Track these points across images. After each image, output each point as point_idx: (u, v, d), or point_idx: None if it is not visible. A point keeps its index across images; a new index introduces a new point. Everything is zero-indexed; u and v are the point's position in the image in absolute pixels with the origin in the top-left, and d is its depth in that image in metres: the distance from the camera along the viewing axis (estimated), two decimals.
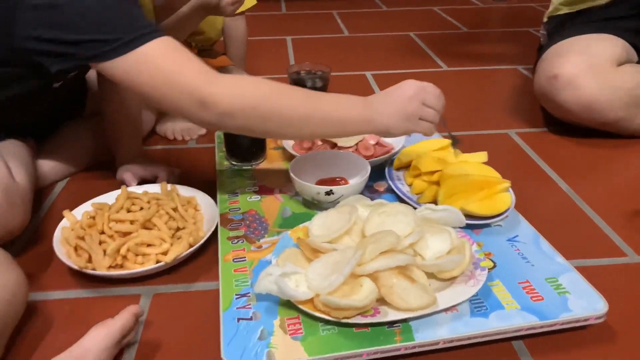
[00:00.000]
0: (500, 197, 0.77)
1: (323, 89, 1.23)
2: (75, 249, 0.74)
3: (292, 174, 0.82)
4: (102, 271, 0.71)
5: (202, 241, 0.76)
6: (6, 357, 0.60)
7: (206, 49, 1.30)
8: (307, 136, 0.77)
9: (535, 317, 0.60)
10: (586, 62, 1.05)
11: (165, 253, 0.73)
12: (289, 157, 1.00)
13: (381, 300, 0.61)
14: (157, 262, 0.72)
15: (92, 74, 1.05)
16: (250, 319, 0.61)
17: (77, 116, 1.06)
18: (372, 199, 0.78)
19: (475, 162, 0.86)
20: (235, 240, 0.76)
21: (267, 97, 0.72)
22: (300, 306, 0.60)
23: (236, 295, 0.65)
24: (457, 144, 0.88)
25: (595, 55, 1.07)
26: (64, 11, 0.67)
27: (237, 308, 0.63)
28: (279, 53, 1.78)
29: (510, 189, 0.81)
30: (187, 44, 1.26)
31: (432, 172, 0.84)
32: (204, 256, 0.78)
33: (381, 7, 2.45)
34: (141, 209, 0.80)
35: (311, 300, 0.61)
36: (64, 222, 0.80)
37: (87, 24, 0.68)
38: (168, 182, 0.88)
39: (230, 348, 0.57)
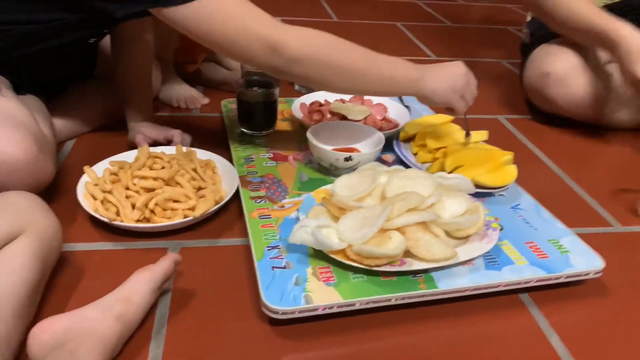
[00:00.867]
0: (507, 169, 0.84)
1: None
2: (102, 202, 0.75)
3: (312, 141, 0.86)
4: (131, 223, 0.73)
5: (226, 199, 0.79)
6: (42, 303, 0.61)
7: None
8: (361, 90, 0.83)
9: (543, 271, 0.67)
10: (576, 61, 1.13)
11: (191, 209, 0.76)
12: (298, 128, 1.03)
13: (406, 254, 0.66)
14: (185, 217, 0.75)
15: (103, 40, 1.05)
16: (284, 267, 0.65)
17: (86, 78, 1.06)
18: None
19: (476, 143, 0.92)
20: (259, 200, 0.79)
21: (332, 48, 0.77)
22: (333, 256, 0.65)
23: (267, 247, 0.69)
24: (469, 136, 0.93)
25: (584, 55, 1.14)
26: None
27: (270, 258, 0.67)
28: None
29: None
30: None
31: (438, 148, 0.90)
32: (225, 215, 0.81)
33: None
34: (162, 168, 0.82)
35: (342, 251, 0.65)
36: (85, 178, 0.81)
37: None
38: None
39: (269, 292, 0.61)
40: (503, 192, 0.84)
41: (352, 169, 0.84)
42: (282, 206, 0.78)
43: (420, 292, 0.63)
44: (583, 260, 0.69)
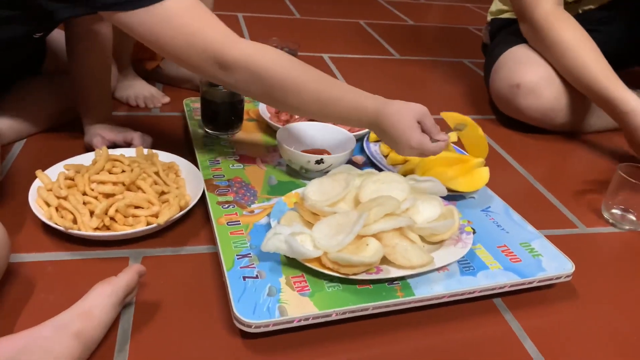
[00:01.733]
0: (478, 173, 0.83)
1: None
2: (57, 209, 0.70)
3: (282, 143, 0.83)
4: (89, 232, 0.68)
5: (192, 204, 0.75)
6: None
7: None
8: (312, 113, 0.78)
9: (516, 276, 0.67)
10: (546, 71, 1.13)
11: (155, 215, 0.72)
12: (265, 129, 1.00)
13: (382, 260, 0.64)
14: (148, 224, 0.71)
15: (53, 33, 0.98)
16: (256, 277, 0.62)
17: (33, 74, 0.99)
18: None
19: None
20: (226, 205, 0.75)
21: (284, 67, 0.72)
22: (308, 264, 0.62)
23: (237, 255, 0.65)
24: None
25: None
26: None
27: (240, 267, 0.63)
28: (233, 29, 1.75)
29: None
30: None
31: None
32: (190, 221, 0.77)
33: None
34: (122, 171, 0.77)
35: (317, 259, 0.63)
36: (37, 183, 0.75)
37: None
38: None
39: (241, 304, 0.58)
40: (473, 195, 0.84)
41: (323, 172, 0.82)
42: (252, 211, 0.75)
43: (397, 300, 0.61)
44: (554, 263, 0.70)
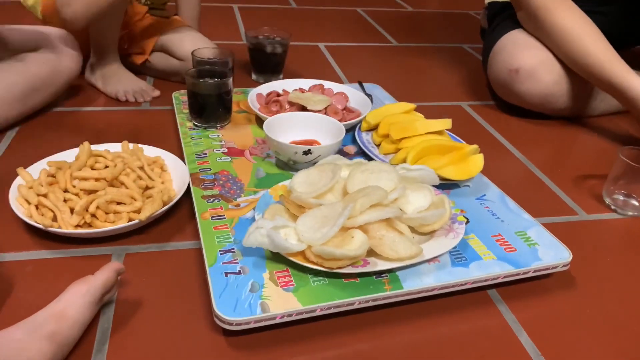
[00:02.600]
0: (472, 160, 0.80)
1: (283, 55, 1.21)
2: (37, 207, 0.69)
3: (268, 134, 0.80)
4: (69, 230, 0.66)
5: (176, 199, 0.73)
6: None
7: (158, 8, 1.23)
8: None
9: (511, 266, 0.64)
10: (545, 54, 1.09)
11: (137, 211, 0.70)
12: (255, 120, 0.98)
13: (369, 253, 0.62)
14: (130, 220, 0.69)
15: None
16: (239, 273, 0.60)
17: None
18: None
19: (439, 136, 0.88)
20: (211, 199, 0.73)
21: None
22: (291, 258, 0.60)
23: (220, 251, 0.63)
24: None
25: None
26: None
27: (223, 263, 0.61)
28: (228, 20, 1.73)
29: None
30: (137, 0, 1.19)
31: (401, 139, 0.86)
32: (175, 216, 0.75)
33: None
34: (106, 167, 0.76)
35: (301, 253, 0.61)
36: (18, 180, 0.73)
37: None
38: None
39: (222, 301, 0.56)
40: (468, 183, 0.81)
41: (312, 163, 0.79)
42: (237, 205, 0.73)
43: (385, 293, 0.59)
44: (551, 252, 0.67)
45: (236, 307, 0.55)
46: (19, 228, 0.71)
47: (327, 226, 0.61)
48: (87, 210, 0.68)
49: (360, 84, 1.18)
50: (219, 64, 1.02)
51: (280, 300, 0.57)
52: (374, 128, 0.93)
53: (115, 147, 0.83)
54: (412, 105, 0.96)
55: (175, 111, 0.99)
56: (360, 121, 0.94)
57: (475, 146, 0.82)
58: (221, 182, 0.78)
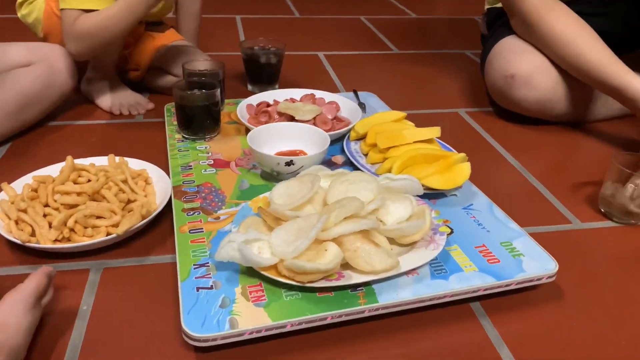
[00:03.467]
0: (458, 169, 0.78)
1: (278, 65, 1.21)
2: (17, 222, 0.69)
3: (251, 145, 0.80)
4: (47, 244, 0.66)
5: (155, 213, 0.72)
6: None
7: (156, 23, 1.24)
8: None
9: (493, 278, 0.62)
10: (540, 60, 1.06)
11: (116, 225, 0.70)
12: (244, 131, 0.97)
13: (345, 266, 0.60)
14: (108, 234, 0.69)
15: None
16: (211, 288, 0.59)
17: None
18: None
19: (427, 145, 0.86)
20: (191, 212, 0.73)
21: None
22: (264, 272, 0.59)
23: (194, 265, 0.63)
24: None
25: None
26: None
27: (195, 278, 0.61)
28: (229, 31, 1.74)
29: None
30: None
31: (388, 148, 0.85)
32: (157, 229, 0.75)
33: None
34: (88, 181, 0.76)
35: (275, 267, 0.59)
36: (2, 196, 0.74)
37: None
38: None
39: (190, 317, 0.55)
40: (456, 192, 0.79)
41: (295, 174, 0.78)
42: (217, 217, 0.72)
43: (359, 308, 0.57)
44: (536, 264, 0.65)
45: (204, 323, 0.54)
46: (0, 243, 0.71)
47: (300, 239, 0.59)
48: (65, 225, 0.68)
49: (355, 92, 1.17)
50: (209, 76, 1.02)
51: (250, 316, 0.55)
52: (362, 137, 0.92)
53: (102, 161, 0.83)
54: (403, 114, 0.94)
55: (166, 123, 0.99)
56: (349, 130, 0.93)
57: (462, 155, 0.80)
58: (203, 194, 0.77)
